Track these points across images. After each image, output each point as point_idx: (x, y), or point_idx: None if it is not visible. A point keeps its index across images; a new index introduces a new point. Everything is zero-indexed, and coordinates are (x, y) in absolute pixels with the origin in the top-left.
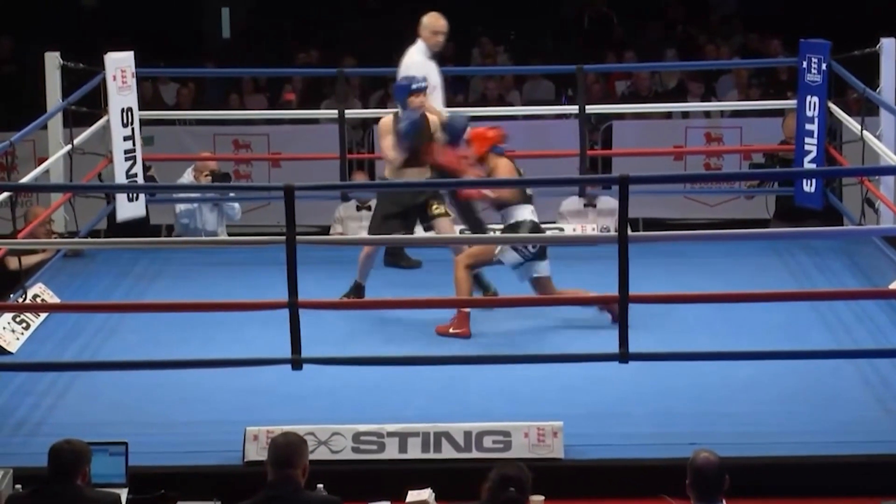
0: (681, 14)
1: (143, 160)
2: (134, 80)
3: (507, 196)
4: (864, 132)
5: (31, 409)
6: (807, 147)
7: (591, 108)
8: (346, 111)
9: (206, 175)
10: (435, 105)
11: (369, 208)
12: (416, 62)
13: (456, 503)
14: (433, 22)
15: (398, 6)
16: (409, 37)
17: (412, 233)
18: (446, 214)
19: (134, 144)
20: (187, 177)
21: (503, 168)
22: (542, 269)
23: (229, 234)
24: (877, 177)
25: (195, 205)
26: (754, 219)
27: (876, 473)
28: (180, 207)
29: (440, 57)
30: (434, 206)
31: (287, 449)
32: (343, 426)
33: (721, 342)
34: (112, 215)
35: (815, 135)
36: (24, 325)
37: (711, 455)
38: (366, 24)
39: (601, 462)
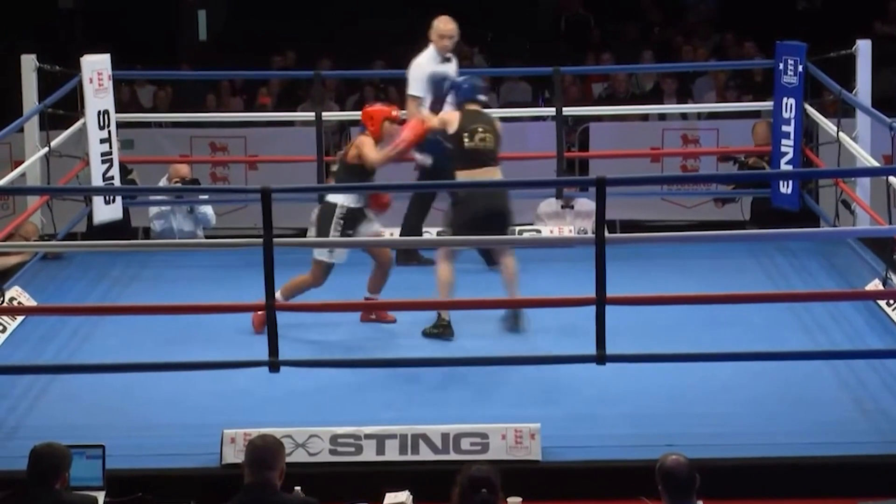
0: (658, 16)
1: (123, 163)
2: (110, 82)
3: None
4: (840, 134)
5: (7, 413)
6: (783, 149)
7: (568, 110)
8: (323, 114)
9: (177, 182)
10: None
11: None
12: (421, 66)
13: None
14: (440, 26)
15: (375, 9)
16: (386, 40)
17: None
18: None
19: (110, 147)
20: (162, 184)
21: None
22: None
23: (206, 237)
24: (852, 178)
25: (169, 208)
26: (731, 220)
27: (853, 474)
28: (153, 211)
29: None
30: None
31: (264, 451)
32: (320, 428)
33: (698, 344)
34: (91, 218)
35: (792, 136)
36: (0, 327)
37: (680, 457)
38: (342, 26)
39: (579, 464)
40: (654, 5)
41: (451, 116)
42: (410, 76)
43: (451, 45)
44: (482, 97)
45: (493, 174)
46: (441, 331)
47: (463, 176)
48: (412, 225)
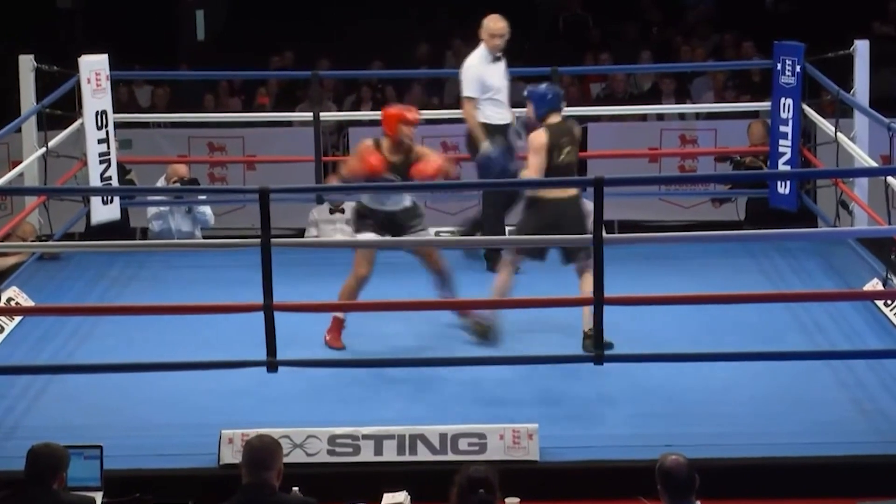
0: (657, 16)
1: (122, 163)
2: (108, 82)
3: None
4: (839, 134)
5: (5, 413)
6: (781, 149)
7: (567, 111)
8: (321, 114)
9: (176, 182)
10: (497, 108)
11: (343, 211)
12: (471, 66)
13: None
14: (490, 24)
15: (373, 9)
16: (385, 39)
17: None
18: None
19: (108, 147)
20: (160, 184)
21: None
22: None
23: (204, 237)
24: (851, 179)
25: (167, 208)
26: (729, 220)
27: (852, 474)
28: (151, 211)
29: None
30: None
31: (262, 451)
32: (318, 429)
33: (696, 344)
34: (89, 218)
35: (790, 137)
36: None
37: (680, 457)
38: (341, 27)
39: (577, 464)
40: (654, 5)
41: (539, 141)
42: (463, 77)
43: (501, 44)
44: (564, 105)
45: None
46: (485, 335)
47: (553, 193)
48: (491, 225)
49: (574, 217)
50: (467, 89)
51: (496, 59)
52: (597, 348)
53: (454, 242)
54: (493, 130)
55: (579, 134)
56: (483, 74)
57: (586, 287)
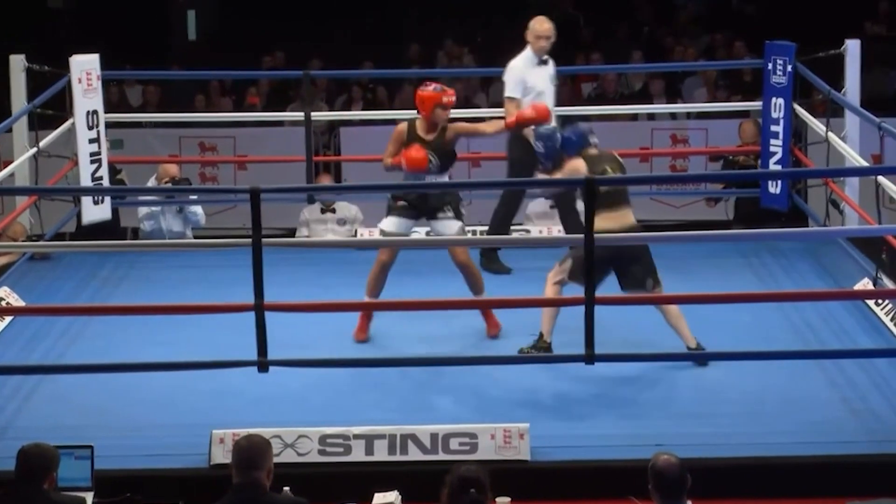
0: (648, 16)
1: (112, 163)
2: (99, 82)
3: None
4: (829, 134)
5: None
6: (772, 149)
7: (558, 110)
8: (312, 114)
9: (167, 182)
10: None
11: (334, 211)
12: (514, 68)
13: None
14: (536, 26)
15: (365, 9)
16: (376, 40)
17: None
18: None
19: (99, 147)
20: (151, 184)
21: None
22: None
23: (195, 237)
24: (841, 178)
25: (158, 208)
26: (720, 220)
27: (842, 474)
28: (142, 211)
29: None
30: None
31: (251, 451)
32: (309, 429)
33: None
34: (80, 218)
35: (781, 136)
36: None
37: (672, 457)
38: (332, 26)
39: (568, 463)
40: (646, 4)
41: (578, 164)
42: (506, 78)
43: (547, 46)
44: (594, 139)
45: (629, 216)
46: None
47: (603, 220)
48: (500, 222)
49: (633, 250)
50: (509, 90)
51: (542, 61)
52: (588, 348)
53: (441, 242)
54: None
55: (622, 162)
56: (526, 76)
57: (671, 310)
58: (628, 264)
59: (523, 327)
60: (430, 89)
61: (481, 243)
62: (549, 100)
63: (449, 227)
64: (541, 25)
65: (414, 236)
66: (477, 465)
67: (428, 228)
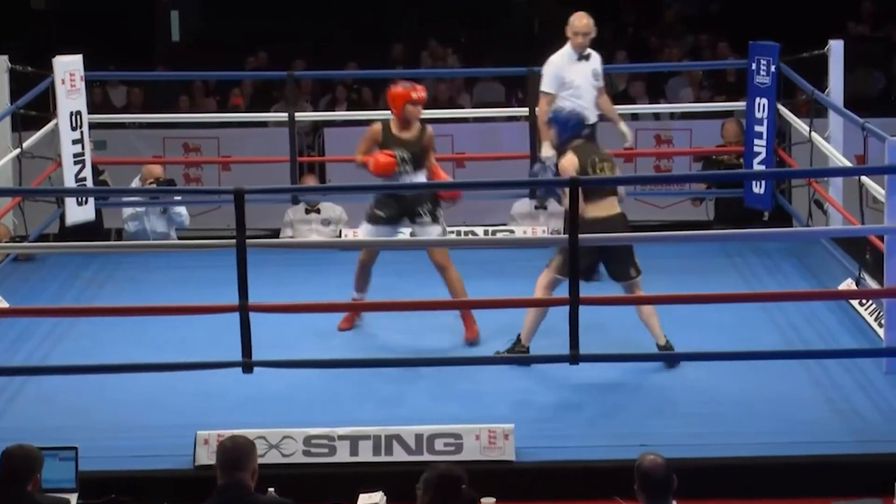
0: (632, 16)
1: (95, 164)
2: (83, 83)
3: None
4: (813, 134)
5: None
6: (756, 149)
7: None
8: (296, 114)
9: (151, 182)
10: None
11: (318, 211)
12: (552, 63)
13: None
14: (574, 22)
15: (348, 9)
16: (360, 40)
17: None
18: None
19: (83, 148)
20: (135, 185)
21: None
22: None
23: (180, 238)
24: (825, 178)
25: (142, 209)
26: (704, 220)
27: (826, 474)
28: (127, 212)
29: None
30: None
31: (235, 452)
32: (294, 430)
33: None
34: (63, 219)
35: (765, 136)
36: None
37: (658, 457)
38: (315, 27)
39: (553, 464)
40: (631, 5)
41: (571, 164)
42: (543, 72)
43: (586, 43)
44: (586, 130)
45: (615, 205)
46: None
47: (591, 209)
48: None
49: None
50: (544, 84)
51: (583, 57)
52: (572, 348)
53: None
54: None
55: (611, 154)
56: (563, 71)
57: (644, 306)
58: (613, 251)
59: (511, 327)
60: (399, 87)
61: (461, 244)
62: (587, 96)
63: (428, 232)
64: (579, 21)
65: (398, 237)
66: (449, 463)
67: (410, 230)
